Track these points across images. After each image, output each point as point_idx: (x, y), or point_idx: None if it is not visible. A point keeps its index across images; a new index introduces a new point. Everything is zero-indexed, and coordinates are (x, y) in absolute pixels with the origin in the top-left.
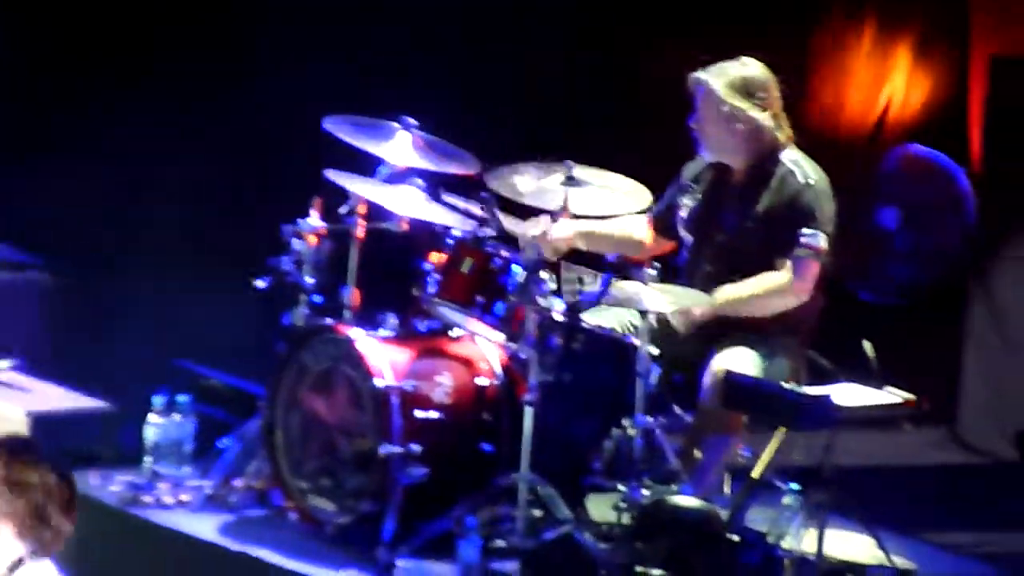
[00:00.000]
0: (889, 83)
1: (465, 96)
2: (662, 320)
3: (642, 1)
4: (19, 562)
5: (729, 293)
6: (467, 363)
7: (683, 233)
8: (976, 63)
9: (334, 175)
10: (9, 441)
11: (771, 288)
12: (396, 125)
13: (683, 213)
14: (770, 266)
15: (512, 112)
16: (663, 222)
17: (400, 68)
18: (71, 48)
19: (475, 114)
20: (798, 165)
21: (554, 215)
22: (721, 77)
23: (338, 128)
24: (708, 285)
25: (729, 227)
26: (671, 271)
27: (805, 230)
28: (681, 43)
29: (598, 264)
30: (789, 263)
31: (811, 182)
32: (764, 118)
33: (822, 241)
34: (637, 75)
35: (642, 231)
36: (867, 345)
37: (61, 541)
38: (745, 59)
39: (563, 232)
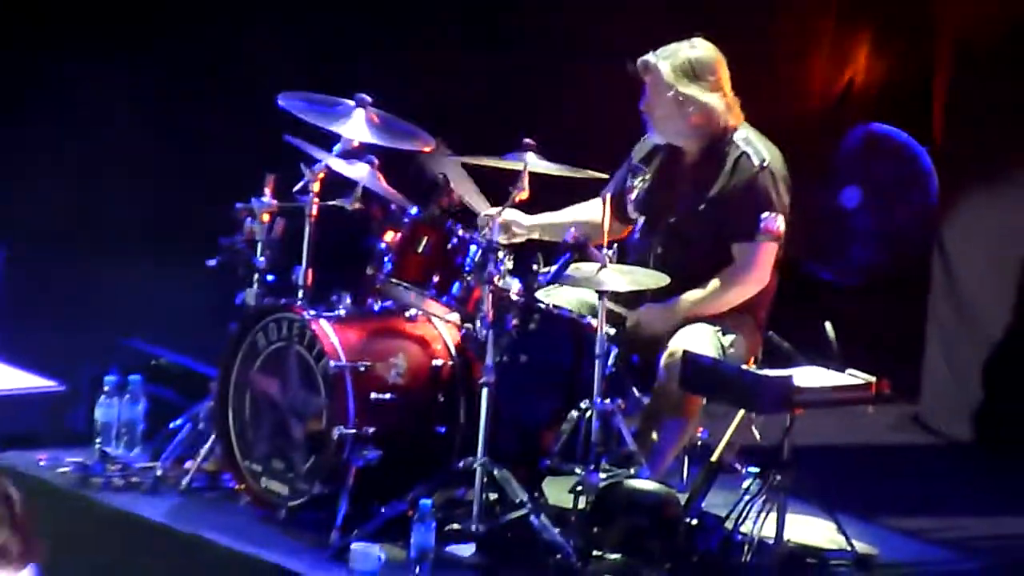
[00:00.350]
0: (852, 63)
1: (420, 73)
2: (621, 301)
3: None
4: None
5: (692, 298)
6: (422, 344)
7: (634, 214)
8: (940, 44)
9: (293, 141)
10: None
11: (732, 282)
12: (351, 102)
13: (633, 195)
14: (723, 248)
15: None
16: (617, 204)
17: (355, 44)
18: (27, 22)
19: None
20: (751, 144)
21: (512, 190)
22: (668, 60)
23: (293, 105)
24: (659, 266)
25: (681, 209)
26: (622, 251)
27: (764, 214)
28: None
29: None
30: (746, 247)
31: (765, 163)
32: (714, 100)
33: (780, 224)
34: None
35: (598, 214)
36: (828, 326)
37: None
38: (695, 40)
39: (520, 221)
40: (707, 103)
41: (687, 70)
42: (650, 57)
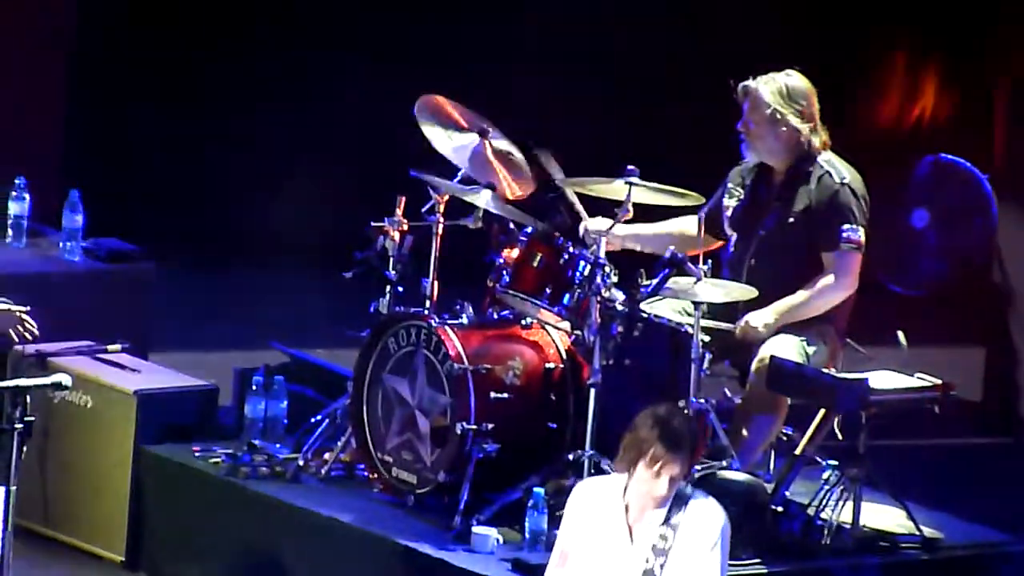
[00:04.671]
0: (922, 97)
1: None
2: (718, 314)
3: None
4: None
5: (791, 302)
6: (536, 348)
7: (729, 230)
8: (1000, 79)
9: (420, 174)
10: None
11: (822, 288)
12: (474, 133)
13: (728, 212)
14: (810, 260)
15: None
16: (712, 221)
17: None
18: (189, 44)
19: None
20: (832, 166)
21: (617, 212)
22: (768, 84)
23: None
24: (752, 277)
25: (771, 224)
26: (718, 265)
27: (845, 225)
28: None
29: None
30: (833, 257)
31: (846, 181)
32: (803, 123)
33: (861, 235)
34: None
35: (693, 229)
36: (900, 334)
37: None
38: (791, 71)
39: (619, 232)
40: (796, 125)
41: (783, 94)
42: (750, 82)
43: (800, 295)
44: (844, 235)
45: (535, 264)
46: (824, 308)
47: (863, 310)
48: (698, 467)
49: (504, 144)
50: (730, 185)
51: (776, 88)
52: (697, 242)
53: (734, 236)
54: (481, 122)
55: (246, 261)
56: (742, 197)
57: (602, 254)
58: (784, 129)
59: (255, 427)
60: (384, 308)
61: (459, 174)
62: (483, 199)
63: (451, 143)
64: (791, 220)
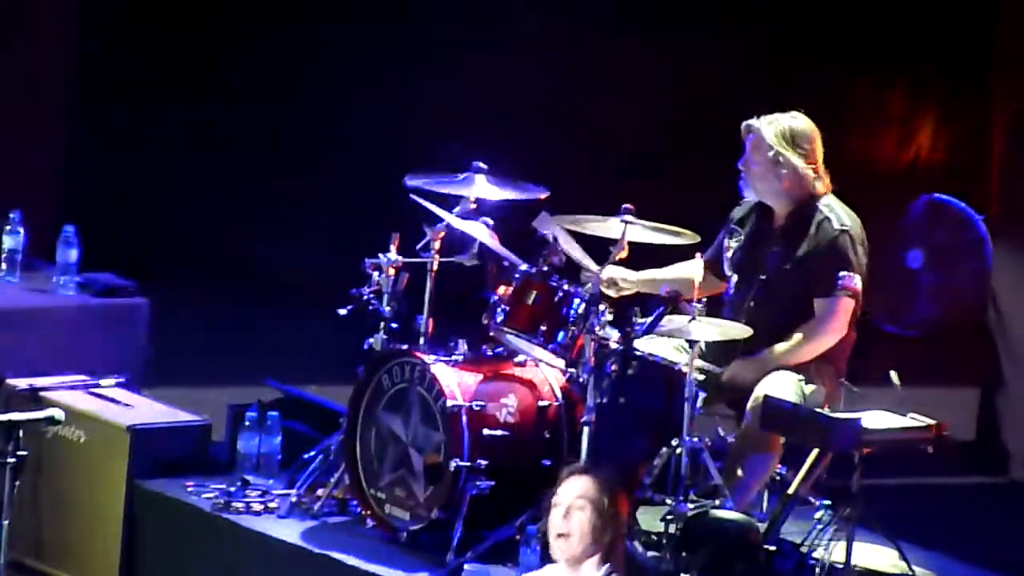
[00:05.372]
0: (918, 137)
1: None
2: (717, 354)
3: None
4: None
5: (778, 350)
6: (530, 386)
7: (729, 272)
8: (997, 120)
9: (418, 198)
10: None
11: (813, 334)
12: (468, 174)
13: (729, 254)
14: (807, 303)
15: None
16: (715, 263)
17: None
18: (181, 72)
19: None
20: (833, 211)
21: (612, 249)
22: (772, 125)
23: (417, 182)
24: (752, 319)
25: (771, 267)
26: (719, 305)
27: (842, 272)
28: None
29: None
30: (826, 302)
31: (845, 227)
32: (805, 166)
33: (857, 283)
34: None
35: (697, 273)
36: (894, 374)
37: None
38: (795, 113)
39: (624, 276)
40: (798, 167)
41: (787, 136)
42: (754, 121)
43: (788, 341)
44: (840, 282)
45: (530, 301)
46: (813, 354)
47: (857, 350)
48: (691, 506)
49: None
50: (732, 225)
51: (780, 130)
52: (701, 284)
53: (735, 278)
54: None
55: (241, 297)
56: (743, 239)
57: (597, 292)
58: (785, 171)
59: (248, 463)
60: (378, 345)
61: (456, 209)
62: (480, 232)
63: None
64: (788, 266)
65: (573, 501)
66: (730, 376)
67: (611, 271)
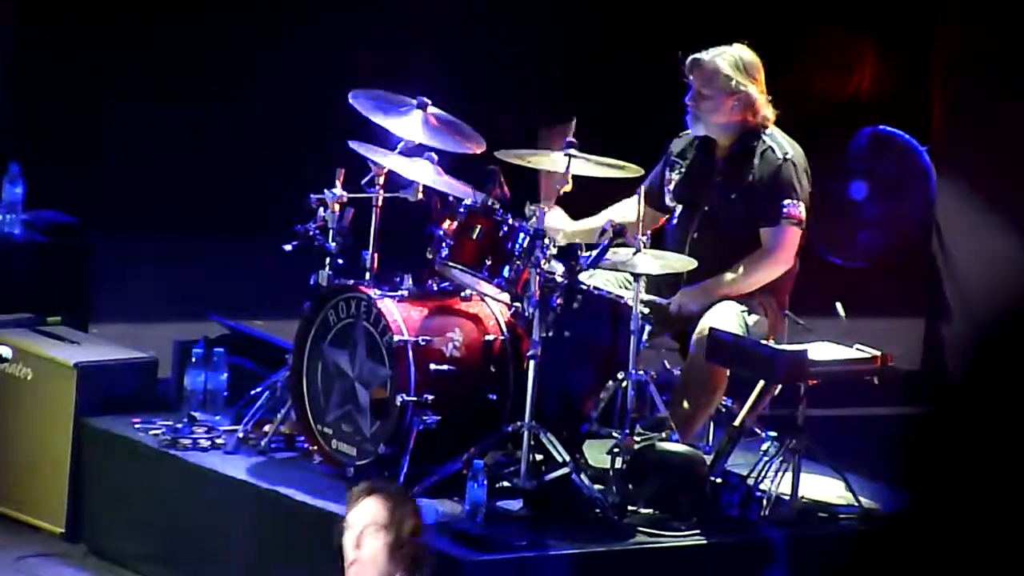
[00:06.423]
0: (859, 70)
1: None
2: (661, 285)
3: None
4: None
5: (724, 280)
6: (476, 320)
7: (671, 203)
8: (938, 54)
9: (357, 146)
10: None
11: (759, 264)
12: (412, 102)
13: (671, 186)
14: (751, 233)
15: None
16: (653, 195)
17: (421, 47)
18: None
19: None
20: (775, 140)
21: (558, 181)
22: (723, 57)
23: (361, 103)
24: (695, 250)
25: (714, 198)
26: (661, 237)
27: (786, 200)
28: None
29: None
30: (772, 231)
31: (788, 156)
32: (758, 94)
33: (802, 210)
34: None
35: (633, 213)
36: (839, 305)
37: None
38: (739, 45)
39: (564, 228)
40: (752, 96)
41: (740, 66)
42: (703, 55)
43: (736, 270)
44: (785, 210)
45: (474, 236)
46: (760, 283)
47: (802, 282)
48: (638, 438)
49: (440, 112)
50: (672, 157)
51: (732, 60)
52: (640, 218)
53: (678, 209)
54: (415, 98)
55: (185, 234)
56: (684, 171)
57: (542, 226)
58: (738, 102)
59: (195, 399)
60: (324, 280)
61: (399, 146)
62: (424, 170)
63: (395, 124)
64: (734, 195)
65: (364, 528)
66: (676, 306)
67: (549, 219)
